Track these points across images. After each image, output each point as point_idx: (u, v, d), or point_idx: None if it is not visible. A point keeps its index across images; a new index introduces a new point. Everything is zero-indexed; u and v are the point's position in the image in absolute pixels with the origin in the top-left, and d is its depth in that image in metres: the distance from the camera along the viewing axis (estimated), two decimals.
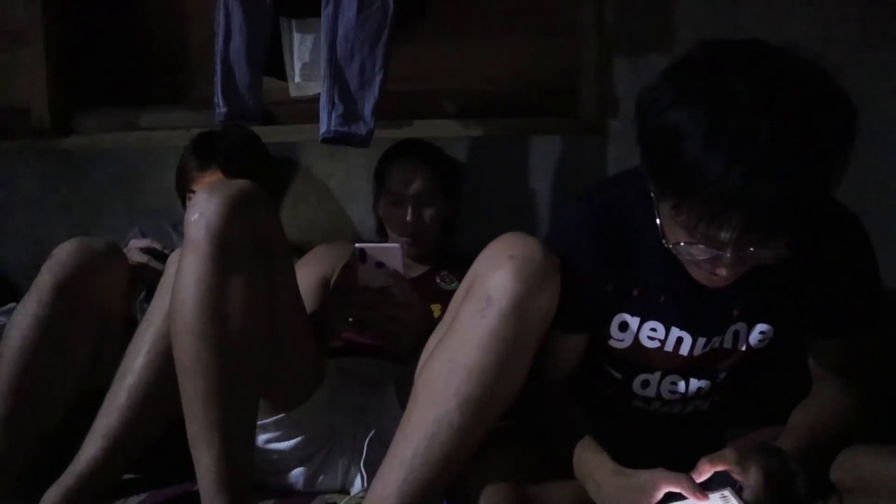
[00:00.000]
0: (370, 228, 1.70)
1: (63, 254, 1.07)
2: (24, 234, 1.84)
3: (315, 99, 1.72)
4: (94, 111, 1.90)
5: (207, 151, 1.48)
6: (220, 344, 0.88)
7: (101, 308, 1.10)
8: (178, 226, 1.62)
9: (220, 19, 1.32)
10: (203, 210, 0.90)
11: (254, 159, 1.54)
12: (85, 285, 1.07)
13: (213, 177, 1.46)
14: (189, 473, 1.10)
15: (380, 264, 1.03)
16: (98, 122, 1.89)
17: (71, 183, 1.84)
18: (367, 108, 1.35)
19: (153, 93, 2.07)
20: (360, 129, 1.34)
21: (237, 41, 1.32)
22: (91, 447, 0.95)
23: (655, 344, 0.94)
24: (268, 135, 1.64)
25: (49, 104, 1.86)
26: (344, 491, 1.11)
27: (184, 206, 1.55)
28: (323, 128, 1.32)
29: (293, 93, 1.71)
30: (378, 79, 1.37)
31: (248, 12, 1.32)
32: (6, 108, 1.91)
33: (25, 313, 1.04)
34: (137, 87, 2.07)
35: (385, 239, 1.54)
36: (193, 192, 1.48)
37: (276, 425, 1.06)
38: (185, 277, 0.90)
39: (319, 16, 1.44)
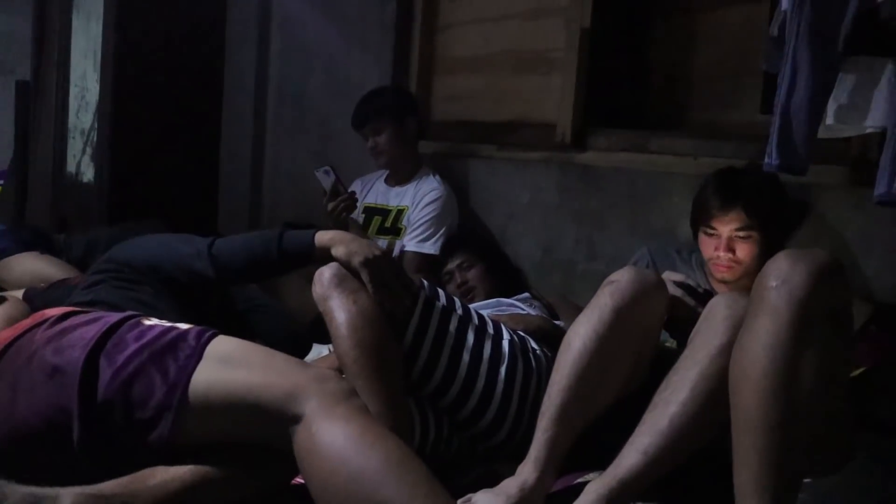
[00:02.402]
0: (890, 286, 1.56)
1: (623, 280, 1.24)
2: (538, 232, 2.17)
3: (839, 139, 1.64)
4: (606, 131, 2.14)
5: (731, 191, 1.53)
6: (790, 406, 0.93)
7: (644, 328, 1.26)
8: (681, 252, 1.72)
9: (787, 70, 1.33)
10: (787, 278, 0.96)
11: (775, 202, 1.54)
12: (636, 309, 1.23)
13: (734, 217, 1.51)
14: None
15: None
16: (609, 141, 2.12)
17: (583, 194, 2.10)
18: None
19: (654, 115, 2.24)
20: None
21: (801, 94, 1.32)
22: (631, 458, 1.09)
23: None
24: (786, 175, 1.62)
25: (572, 123, 2.16)
26: None
27: (695, 237, 1.64)
28: (881, 189, 1.24)
29: (821, 134, 1.64)
30: None
31: (816, 61, 1.30)
32: (538, 124, 2.27)
33: (588, 326, 1.24)
34: (639, 109, 2.26)
35: None
36: (711, 227, 1.56)
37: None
38: (758, 337, 0.97)
39: (884, 55, 1.35)
